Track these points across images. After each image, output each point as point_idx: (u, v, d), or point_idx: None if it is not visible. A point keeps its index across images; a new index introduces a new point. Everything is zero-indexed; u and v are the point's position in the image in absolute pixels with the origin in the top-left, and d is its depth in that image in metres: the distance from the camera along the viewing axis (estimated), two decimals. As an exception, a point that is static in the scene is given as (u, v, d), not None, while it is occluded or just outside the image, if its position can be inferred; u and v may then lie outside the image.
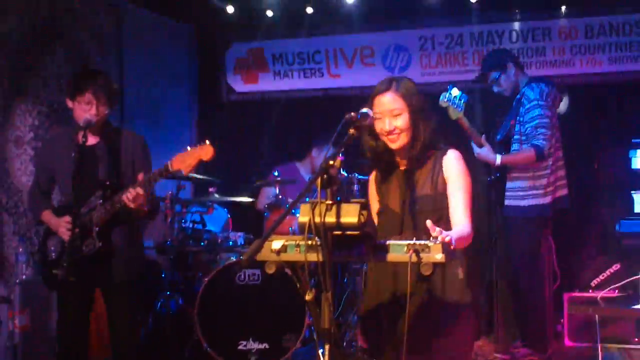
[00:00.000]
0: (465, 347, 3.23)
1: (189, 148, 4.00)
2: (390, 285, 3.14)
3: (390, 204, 3.27)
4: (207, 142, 3.97)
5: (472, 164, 5.59)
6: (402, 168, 3.27)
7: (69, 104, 4.16)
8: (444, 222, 3.07)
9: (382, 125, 3.16)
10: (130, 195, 3.94)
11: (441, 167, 3.19)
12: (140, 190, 3.95)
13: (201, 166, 4.12)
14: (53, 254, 4.15)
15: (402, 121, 3.15)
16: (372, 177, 3.40)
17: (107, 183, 4.09)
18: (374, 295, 3.29)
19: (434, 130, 3.20)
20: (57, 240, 4.16)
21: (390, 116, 3.16)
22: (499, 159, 5.22)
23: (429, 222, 2.79)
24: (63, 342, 4.15)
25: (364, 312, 3.38)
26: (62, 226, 4.07)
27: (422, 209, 3.15)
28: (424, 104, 3.21)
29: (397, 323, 2.89)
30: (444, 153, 3.21)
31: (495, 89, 5.54)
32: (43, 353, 4.53)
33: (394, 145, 3.19)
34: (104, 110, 4.13)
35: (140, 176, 3.99)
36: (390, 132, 3.16)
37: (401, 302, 2.87)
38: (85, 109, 4.06)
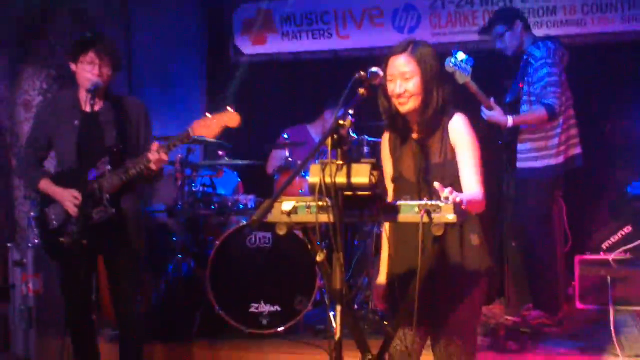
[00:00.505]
0: (473, 313, 3.21)
1: (208, 115, 3.98)
2: (406, 248, 3.13)
3: (405, 173, 3.23)
4: (230, 108, 3.96)
5: (483, 127, 5.60)
6: (414, 135, 3.23)
7: (72, 67, 4.12)
8: (456, 189, 3.02)
9: (393, 87, 3.11)
10: (153, 158, 3.94)
11: (448, 133, 3.15)
12: (164, 156, 3.97)
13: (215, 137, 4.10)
14: (54, 222, 4.10)
15: (412, 85, 3.10)
16: (385, 139, 3.35)
17: (115, 150, 4.07)
18: (392, 258, 3.28)
19: (446, 97, 3.15)
20: (57, 208, 4.10)
21: (401, 79, 3.11)
22: (510, 120, 5.17)
23: (436, 184, 2.77)
24: (71, 307, 4.15)
25: (383, 276, 3.36)
26: (68, 199, 4.01)
27: (434, 178, 3.08)
28: (439, 70, 3.16)
29: (410, 285, 2.88)
30: (450, 118, 3.16)
31: (499, 44, 5.45)
32: (56, 316, 4.55)
33: (402, 109, 3.14)
34: (107, 72, 4.09)
35: (155, 145, 3.98)
36: (400, 95, 3.11)
37: (415, 264, 2.86)
38: (88, 70, 4.03)
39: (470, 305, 3.16)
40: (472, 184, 3.09)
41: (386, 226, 3.27)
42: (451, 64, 4.93)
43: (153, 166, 3.98)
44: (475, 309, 3.23)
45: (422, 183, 3.15)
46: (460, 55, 4.92)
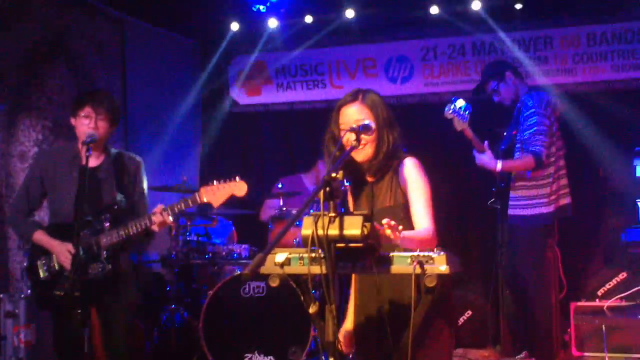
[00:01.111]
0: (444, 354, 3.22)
1: (215, 182, 4.04)
2: (381, 297, 3.14)
3: (364, 200, 3.27)
4: (238, 178, 4.03)
5: (478, 175, 5.64)
6: (368, 180, 3.28)
7: (72, 121, 4.18)
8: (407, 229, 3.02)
9: (350, 139, 3.08)
10: (158, 220, 3.99)
11: (399, 177, 3.19)
12: (168, 219, 4.02)
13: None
14: (46, 274, 4.09)
15: (368, 135, 3.13)
16: (348, 188, 3.40)
17: (116, 207, 4.09)
18: (363, 307, 3.29)
19: (396, 141, 3.20)
20: (50, 260, 4.10)
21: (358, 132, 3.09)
22: (499, 165, 5.23)
23: (385, 220, 2.77)
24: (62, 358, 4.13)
25: (354, 324, 3.37)
26: (63, 253, 4.01)
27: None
28: (389, 115, 3.21)
29: (394, 334, 2.89)
30: (401, 162, 3.20)
31: (496, 98, 5.55)
32: (48, 367, 4.53)
33: (358, 157, 3.19)
34: (104, 126, 4.13)
35: (159, 207, 4.03)
36: (356, 148, 3.08)
37: (395, 313, 2.85)
38: (85, 123, 4.08)
39: (450, 344, 3.23)
40: (422, 220, 3.11)
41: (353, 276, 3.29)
42: (450, 111, 5.00)
43: (155, 228, 4.02)
44: (452, 349, 3.26)
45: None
46: (460, 103, 5.00)
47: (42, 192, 4.24)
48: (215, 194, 4.03)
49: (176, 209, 4.05)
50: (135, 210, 4.21)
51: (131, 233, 4.03)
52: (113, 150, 4.30)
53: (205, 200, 4.05)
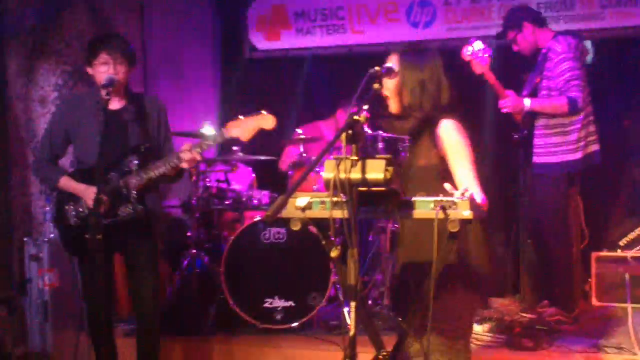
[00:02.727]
0: (468, 309, 3.21)
1: (242, 117, 3.99)
2: (416, 244, 3.12)
3: (404, 167, 3.24)
4: (264, 111, 4.01)
5: (500, 122, 5.56)
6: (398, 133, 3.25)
7: (89, 71, 4.14)
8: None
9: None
10: (187, 157, 3.97)
11: (434, 137, 3.14)
12: (197, 156, 3.99)
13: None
14: (75, 219, 4.11)
15: (391, 84, 3.13)
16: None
17: (143, 149, 4.07)
18: (402, 255, 3.27)
19: (426, 105, 3.13)
20: (78, 204, 4.10)
21: (389, 77, 3.11)
22: (527, 102, 5.12)
23: (447, 185, 2.75)
24: (90, 304, 4.16)
25: (395, 273, 3.36)
26: (89, 196, 3.97)
27: (415, 179, 3.12)
28: (426, 77, 3.13)
29: (421, 283, 2.87)
30: (438, 123, 3.14)
31: (515, 48, 5.43)
32: (72, 311, 4.58)
33: (390, 109, 3.18)
34: (122, 69, 4.08)
35: (187, 145, 4.00)
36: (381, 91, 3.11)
37: (426, 262, 2.84)
38: (103, 71, 4.04)
39: (459, 306, 3.15)
40: (468, 187, 3.05)
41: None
42: (469, 53, 4.91)
43: (185, 165, 4.00)
44: (465, 311, 3.20)
45: (407, 180, 3.12)
46: (478, 45, 4.91)
47: (66, 139, 4.23)
48: (243, 127, 3.99)
49: (204, 146, 4.03)
50: (162, 152, 4.20)
51: (160, 173, 4.01)
52: (134, 93, 4.28)
53: (233, 135, 4.00)
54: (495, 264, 3.23)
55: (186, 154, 3.98)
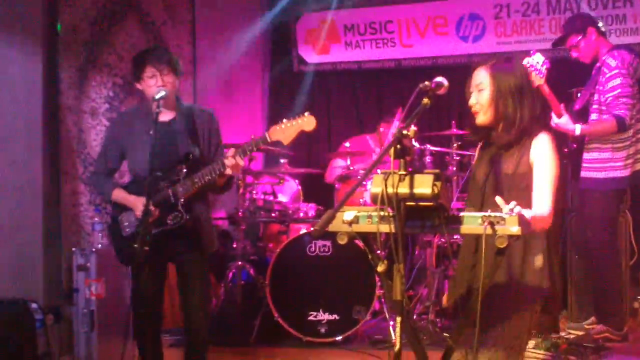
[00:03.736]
0: (522, 332, 3.12)
1: (285, 120, 4.01)
2: (468, 259, 3.11)
3: (477, 176, 3.24)
4: (307, 113, 4.00)
5: (551, 135, 5.50)
6: (496, 144, 3.21)
7: (138, 86, 4.20)
8: (522, 204, 2.88)
9: (471, 98, 3.16)
10: (230, 163, 3.98)
11: (529, 148, 3.11)
12: (240, 161, 4.00)
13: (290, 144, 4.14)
14: (127, 229, 4.17)
15: (482, 98, 3.13)
16: (478, 146, 3.37)
17: (192, 157, 4.11)
18: (459, 271, 3.26)
19: (528, 116, 3.11)
20: (131, 215, 4.16)
21: (475, 90, 3.15)
22: (578, 129, 5.07)
23: (498, 199, 2.73)
24: (139, 314, 4.19)
25: (451, 290, 3.34)
26: (139, 207, 4.03)
27: (500, 187, 3.09)
28: (518, 87, 3.12)
29: (469, 298, 2.85)
30: (534, 137, 3.11)
31: (574, 54, 5.35)
32: (118, 320, 4.63)
33: (476, 120, 3.17)
34: (170, 80, 4.13)
35: (231, 151, 4.02)
36: (471, 107, 3.16)
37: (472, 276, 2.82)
38: (152, 84, 4.09)
39: (520, 324, 3.09)
40: (542, 202, 3.02)
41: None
42: (528, 64, 4.87)
43: (229, 171, 4.01)
44: (524, 329, 3.13)
45: (488, 189, 3.14)
46: (538, 57, 4.86)
47: (120, 154, 4.30)
48: (284, 131, 4.00)
49: (247, 150, 4.03)
50: (212, 161, 4.23)
51: (206, 180, 4.05)
52: (185, 104, 4.32)
53: (274, 138, 4.02)
54: (557, 282, 3.17)
55: (229, 159, 4.00)
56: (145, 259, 3.76)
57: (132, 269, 4.23)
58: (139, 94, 4.28)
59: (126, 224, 4.17)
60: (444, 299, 3.47)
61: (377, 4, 7.45)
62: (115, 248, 4.30)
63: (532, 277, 3.07)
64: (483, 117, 3.16)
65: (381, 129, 6.84)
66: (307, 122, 4.00)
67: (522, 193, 3.04)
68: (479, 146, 3.35)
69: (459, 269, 3.28)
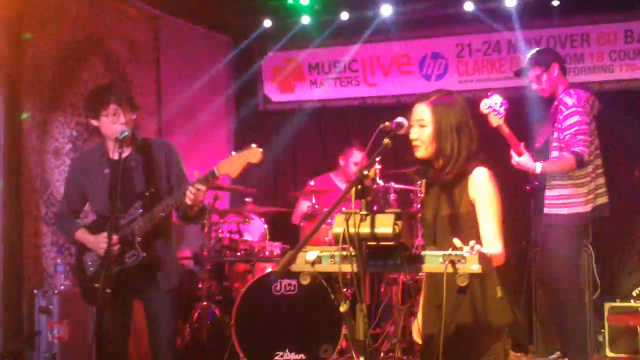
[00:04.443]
0: None
1: (233, 153, 4.02)
2: (433, 299, 3.13)
3: (426, 216, 3.27)
4: (254, 145, 4.00)
5: (511, 172, 5.58)
6: (441, 182, 3.23)
7: (95, 123, 4.18)
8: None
9: (411, 133, 3.17)
10: (191, 194, 3.96)
11: (467, 186, 3.14)
12: (201, 186, 3.98)
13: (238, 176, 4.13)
14: (91, 269, 4.16)
15: (424, 133, 3.16)
16: (423, 183, 3.39)
17: (147, 194, 4.11)
18: (426, 310, 3.28)
19: (466, 150, 3.15)
20: (94, 255, 4.15)
21: (417, 126, 3.16)
22: (539, 167, 5.14)
23: (456, 240, 2.76)
24: (102, 354, 4.15)
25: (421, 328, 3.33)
26: (100, 245, 4.04)
27: (448, 228, 3.13)
28: (459, 122, 3.16)
29: (435, 336, 2.86)
30: (471, 172, 3.15)
31: (534, 86, 5.43)
32: (81, 362, 4.58)
33: (417, 154, 3.20)
34: (131, 117, 4.14)
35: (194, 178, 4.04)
36: (413, 141, 3.18)
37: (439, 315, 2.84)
38: (113, 121, 4.09)
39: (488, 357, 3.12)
40: (492, 240, 3.07)
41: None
42: (486, 106, 4.95)
43: (188, 201, 3.99)
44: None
45: (437, 229, 3.18)
46: (496, 98, 4.94)
47: (81, 196, 4.31)
48: (232, 164, 4.00)
49: (207, 180, 4.03)
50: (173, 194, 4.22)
51: (159, 216, 4.03)
52: (141, 138, 4.32)
53: (223, 172, 4.01)
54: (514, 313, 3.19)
55: (191, 189, 3.99)
56: (109, 298, 3.74)
57: (96, 309, 4.20)
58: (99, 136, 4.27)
59: (89, 263, 4.17)
60: (414, 333, 3.45)
61: (342, 44, 7.53)
62: (80, 288, 4.27)
63: (494, 310, 3.11)
64: (424, 152, 3.18)
65: (341, 162, 6.86)
66: (253, 154, 4.00)
67: (470, 232, 3.06)
68: (423, 183, 3.37)
69: (427, 307, 3.28)
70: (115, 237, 3.97)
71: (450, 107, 3.17)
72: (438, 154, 3.17)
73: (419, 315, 3.37)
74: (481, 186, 3.13)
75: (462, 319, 2.99)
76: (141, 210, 4.06)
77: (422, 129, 3.16)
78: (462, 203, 3.14)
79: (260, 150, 4.01)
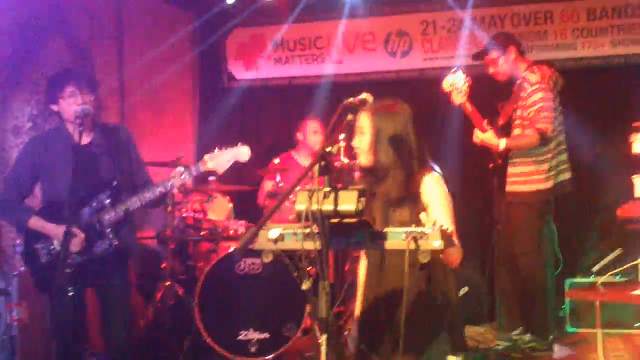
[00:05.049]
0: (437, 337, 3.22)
1: (217, 150, 4.00)
2: (388, 276, 3.13)
3: (378, 220, 3.25)
4: (240, 143, 3.98)
5: (474, 150, 5.61)
6: (383, 200, 3.25)
7: (54, 107, 4.12)
8: None
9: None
10: (178, 184, 3.99)
11: (419, 196, 3.17)
12: (188, 181, 4.02)
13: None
14: (46, 257, 4.08)
15: (362, 142, 3.19)
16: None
17: (115, 184, 4.05)
18: (371, 287, 3.27)
19: (401, 161, 3.17)
20: (48, 242, 4.07)
21: (358, 133, 3.20)
22: (503, 143, 5.18)
23: (422, 215, 2.76)
24: (61, 341, 4.10)
25: (362, 306, 3.34)
26: (61, 233, 3.93)
27: None
28: (399, 132, 3.18)
29: (395, 314, 2.87)
30: (420, 182, 3.18)
31: (491, 69, 5.47)
32: (40, 345, 4.51)
33: (359, 161, 3.25)
34: (91, 98, 4.07)
35: (178, 172, 4.02)
36: (353, 148, 3.23)
37: (398, 292, 2.85)
38: (72, 102, 4.03)
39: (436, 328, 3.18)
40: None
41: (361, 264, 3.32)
42: (449, 84, 4.95)
43: (176, 190, 4.00)
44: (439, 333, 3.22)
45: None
46: (459, 75, 4.95)
47: (33, 179, 4.19)
48: (219, 160, 4.00)
49: (194, 172, 4.01)
50: (136, 179, 4.17)
51: (136, 207, 3.99)
52: (102, 123, 4.26)
53: (209, 167, 4.00)
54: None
55: (178, 180, 3.98)
56: (67, 285, 3.69)
57: (51, 296, 4.13)
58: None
59: (44, 251, 4.07)
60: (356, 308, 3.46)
61: (307, 21, 7.48)
62: (33, 277, 4.18)
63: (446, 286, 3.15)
64: (365, 160, 3.22)
65: (299, 137, 6.80)
66: (242, 152, 4.01)
67: None
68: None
69: (368, 280, 3.31)
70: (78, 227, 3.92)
71: (390, 117, 3.19)
72: (378, 162, 3.20)
73: (357, 306, 3.37)
74: (433, 191, 3.16)
75: (419, 293, 3.01)
76: (109, 200, 4.01)
77: (361, 137, 3.19)
78: (416, 214, 3.09)
79: (249, 149, 4.00)
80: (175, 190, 4.03)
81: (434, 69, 7.04)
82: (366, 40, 7.46)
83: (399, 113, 3.22)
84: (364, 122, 3.19)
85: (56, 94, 4.06)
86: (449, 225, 3.03)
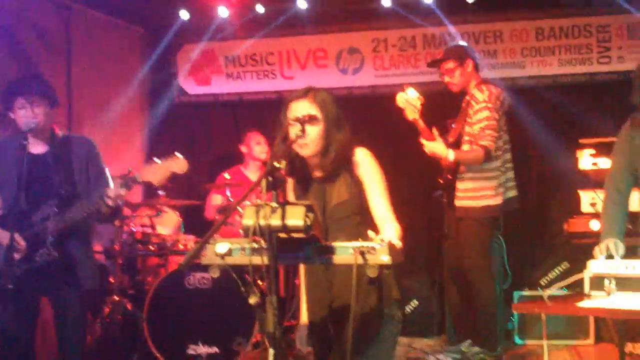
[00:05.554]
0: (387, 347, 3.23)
1: (156, 160, 3.93)
2: (332, 290, 3.14)
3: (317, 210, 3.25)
4: (179, 154, 3.92)
5: (424, 164, 5.67)
6: (317, 177, 3.24)
7: (12, 116, 4.08)
8: (367, 221, 3.09)
9: (295, 131, 3.10)
10: (112, 194, 3.87)
11: (352, 169, 3.18)
12: (122, 192, 3.88)
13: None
14: None
15: (313, 131, 3.13)
16: (290, 186, 3.33)
17: (63, 193, 3.99)
18: (315, 302, 3.28)
19: (346, 140, 3.18)
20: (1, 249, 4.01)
21: (304, 124, 3.11)
22: (451, 155, 5.24)
23: (370, 232, 2.77)
24: (6, 353, 4.02)
25: (309, 321, 3.33)
26: (4, 242, 3.89)
27: (342, 215, 3.17)
28: (339, 114, 3.19)
29: (343, 329, 2.88)
30: (353, 154, 3.20)
31: (446, 79, 5.51)
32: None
33: (303, 152, 3.17)
34: (42, 111, 4.02)
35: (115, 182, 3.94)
36: (301, 139, 3.10)
37: (345, 306, 2.85)
38: (21, 115, 3.99)
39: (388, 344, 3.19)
40: (386, 214, 3.13)
41: (301, 269, 3.31)
42: (402, 100, 4.99)
43: (110, 202, 3.90)
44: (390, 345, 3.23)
45: (329, 221, 3.18)
46: (412, 93, 5.00)
47: None
48: (155, 172, 3.92)
49: (128, 184, 3.94)
50: (90, 194, 4.11)
51: (78, 217, 3.93)
52: (61, 135, 4.19)
53: (145, 179, 3.93)
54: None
55: (113, 191, 3.90)
56: (12, 295, 3.62)
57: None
58: (14, 122, 4.13)
59: None
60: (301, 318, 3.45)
61: (259, 37, 7.49)
62: None
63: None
64: (312, 149, 3.15)
65: (244, 150, 6.80)
66: (178, 164, 3.92)
67: (361, 210, 3.15)
68: (291, 185, 3.32)
69: (314, 287, 3.30)
70: (20, 235, 3.85)
71: (330, 102, 3.20)
72: (327, 148, 3.16)
73: (303, 319, 3.36)
74: (366, 165, 3.18)
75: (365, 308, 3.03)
76: (55, 209, 3.95)
77: (311, 126, 3.12)
78: (352, 184, 3.17)
79: (185, 161, 3.93)
80: (110, 202, 3.93)
81: (386, 86, 7.11)
82: (318, 57, 7.51)
83: (325, 90, 3.24)
84: (310, 110, 3.14)
85: (9, 104, 4.03)
86: (387, 205, 3.13)
